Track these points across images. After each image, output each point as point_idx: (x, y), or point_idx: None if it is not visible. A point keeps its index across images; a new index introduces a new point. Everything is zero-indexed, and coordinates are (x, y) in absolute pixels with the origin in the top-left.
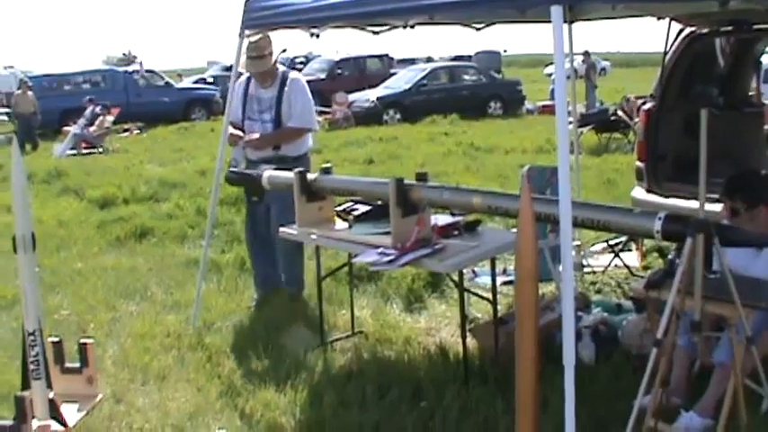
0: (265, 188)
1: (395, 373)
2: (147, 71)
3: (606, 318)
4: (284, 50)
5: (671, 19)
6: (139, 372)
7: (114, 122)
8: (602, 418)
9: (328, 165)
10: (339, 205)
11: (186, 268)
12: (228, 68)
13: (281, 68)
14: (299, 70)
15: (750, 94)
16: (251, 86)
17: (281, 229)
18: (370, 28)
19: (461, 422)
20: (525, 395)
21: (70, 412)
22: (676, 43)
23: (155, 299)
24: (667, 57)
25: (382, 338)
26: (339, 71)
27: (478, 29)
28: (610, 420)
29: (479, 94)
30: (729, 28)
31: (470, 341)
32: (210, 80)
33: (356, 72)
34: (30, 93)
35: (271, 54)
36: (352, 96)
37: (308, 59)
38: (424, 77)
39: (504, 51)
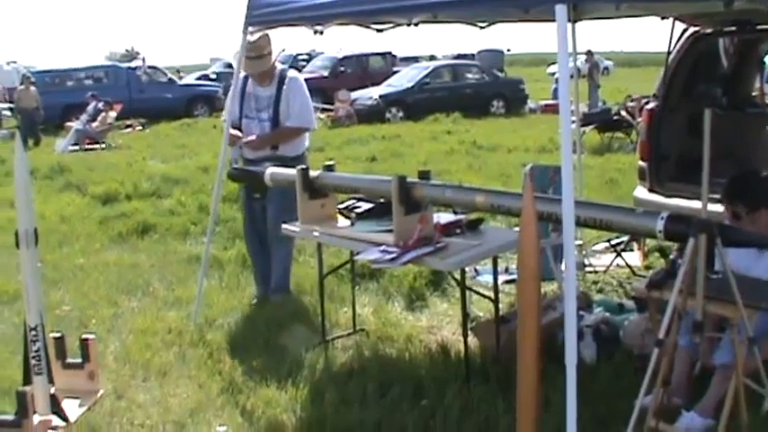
0: (268, 185)
1: (396, 372)
2: (149, 67)
3: (608, 317)
4: (283, 50)
5: (675, 19)
6: (141, 368)
7: (117, 118)
8: (603, 418)
9: (331, 162)
10: (341, 203)
11: (188, 265)
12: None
13: (280, 67)
14: (302, 68)
15: (753, 94)
16: (249, 84)
17: (284, 226)
18: (373, 26)
19: (462, 421)
20: (527, 394)
21: (71, 407)
22: (680, 43)
23: (156, 295)
24: (671, 56)
25: (384, 336)
26: (342, 69)
27: (482, 27)
28: (611, 420)
29: (482, 92)
30: (733, 28)
31: (472, 340)
32: (213, 77)
33: (359, 70)
34: (32, 88)
35: (270, 54)
36: (354, 94)
37: (310, 57)
38: (426, 76)
39: (508, 50)
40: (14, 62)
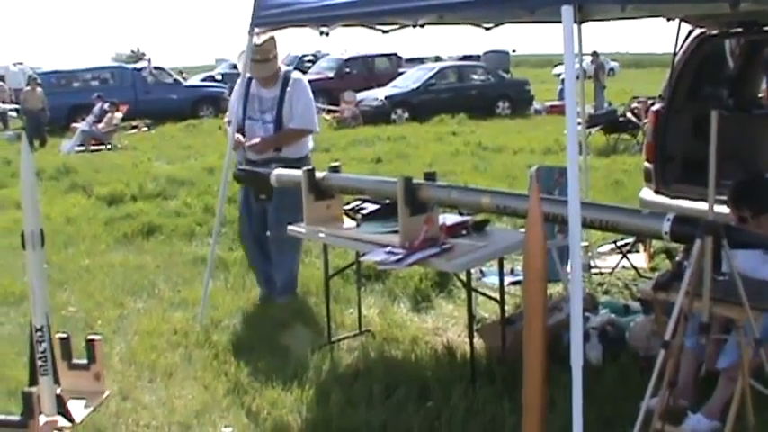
0: (273, 186)
1: (402, 373)
2: (155, 68)
3: (614, 319)
4: (289, 54)
5: (681, 20)
6: (146, 369)
7: (122, 119)
8: (608, 419)
9: (336, 163)
10: (347, 204)
11: (194, 266)
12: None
13: (284, 68)
14: (308, 69)
15: (760, 95)
16: (252, 86)
17: (290, 227)
18: (379, 27)
19: (468, 422)
20: (532, 395)
21: (77, 408)
22: (686, 44)
23: (162, 296)
24: (677, 58)
25: (389, 338)
26: (347, 70)
27: (487, 29)
28: (617, 421)
29: (488, 93)
30: (739, 29)
31: (477, 341)
32: (219, 78)
33: (364, 71)
34: (38, 89)
35: (275, 58)
36: (360, 95)
37: (316, 58)
38: (432, 77)
39: (513, 51)
40: (20, 63)
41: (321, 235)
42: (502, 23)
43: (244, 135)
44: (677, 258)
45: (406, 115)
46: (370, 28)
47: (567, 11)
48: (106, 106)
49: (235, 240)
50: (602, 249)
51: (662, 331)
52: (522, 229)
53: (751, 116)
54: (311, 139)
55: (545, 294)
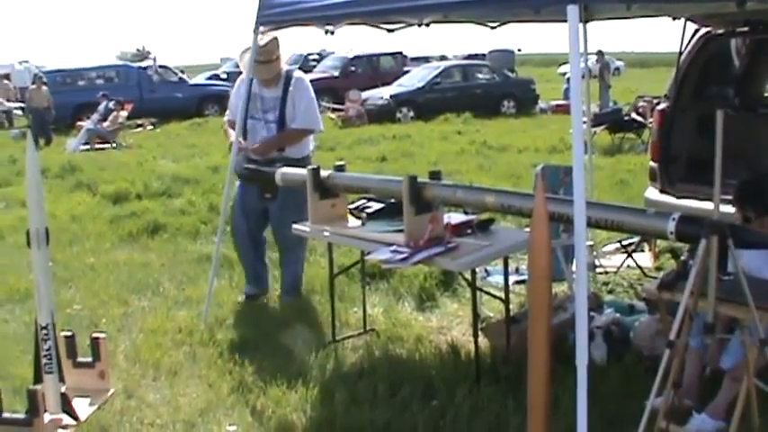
0: (278, 185)
1: (406, 372)
2: (160, 67)
3: (618, 318)
4: (292, 55)
5: (686, 19)
6: (151, 367)
7: (127, 118)
8: (613, 419)
9: (341, 162)
10: (352, 203)
11: (198, 264)
12: None
13: (285, 67)
14: (313, 67)
15: (766, 95)
16: (254, 85)
17: (295, 226)
18: (384, 26)
19: (472, 421)
20: (537, 394)
21: (82, 406)
22: (691, 43)
23: (167, 294)
24: (682, 57)
25: (394, 336)
26: (352, 69)
27: (493, 27)
28: (621, 421)
29: (493, 92)
30: (745, 29)
31: (482, 340)
32: (224, 76)
33: (370, 70)
34: (44, 88)
35: (278, 59)
36: (365, 94)
37: (321, 57)
38: (437, 76)
39: (518, 50)
40: (26, 62)
41: (326, 234)
42: (507, 22)
43: (245, 135)
44: (682, 258)
45: (411, 114)
46: (376, 27)
47: (572, 10)
48: (111, 105)
49: None
50: (607, 249)
51: (667, 331)
52: (527, 229)
53: (757, 115)
54: (313, 139)
55: (550, 293)
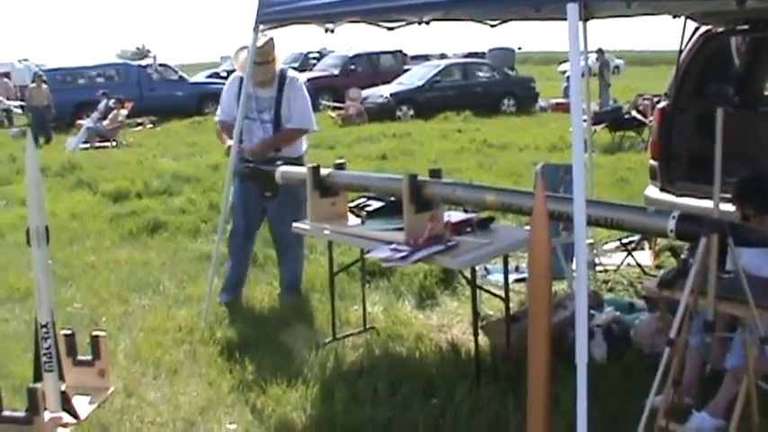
0: (279, 183)
1: (406, 370)
2: (160, 65)
3: (618, 316)
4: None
5: (686, 17)
6: (151, 365)
7: (128, 116)
8: (613, 417)
9: (341, 160)
10: (352, 201)
11: (198, 263)
12: None
13: (279, 66)
14: (313, 66)
15: (766, 93)
16: (247, 84)
17: (295, 224)
18: (384, 24)
19: (472, 419)
20: (537, 393)
21: (82, 405)
22: (692, 42)
23: (167, 293)
24: (682, 55)
25: (394, 335)
26: (352, 67)
27: (493, 26)
28: (621, 419)
29: (493, 90)
30: (745, 27)
31: (482, 338)
32: (224, 75)
33: (369, 68)
34: (44, 86)
35: (274, 60)
36: (365, 92)
37: (321, 55)
38: (437, 74)
39: (519, 48)
40: (26, 60)
41: (326, 232)
42: (507, 21)
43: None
44: (682, 256)
45: (412, 112)
46: (376, 25)
47: (572, 8)
48: (111, 103)
49: None
50: (607, 247)
51: (667, 329)
52: (527, 227)
53: (757, 113)
54: (306, 139)
55: (550, 292)
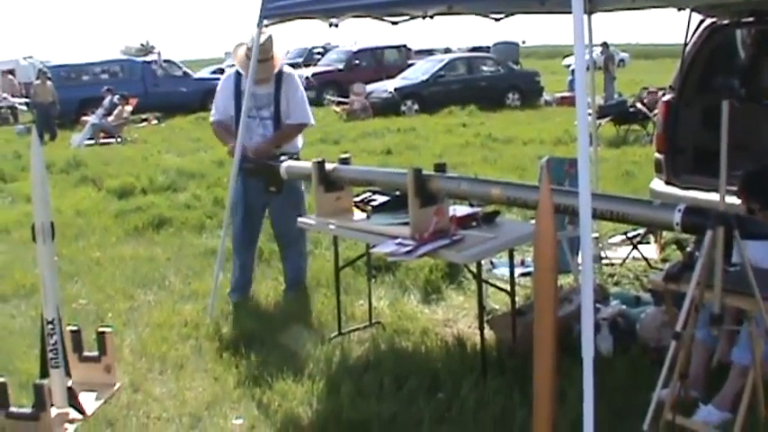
0: (283, 178)
1: (412, 364)
2: (165, 61)
3: (624, 310)
4: (288, 52)
5: (691, 10)
6: (157, 361)
7: (132, 112)
8: (619, 411)
9: (346, 155)
10: (357, 196)
11: (204, 258)
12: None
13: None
14: (317, 61)
15: None
16: (242, 82)
17: (300, 219)
18: (388, 18)
19: (478, 413)
20: (543, 387)
21: (88, 400)
22: (696, 34)
23: (172, 288)
24: (687, 48)
25: (400, 329)
26: (357, 62)
27: (497, 20)
28: (627, 413)
29: (497, 85)
30: (751, 19)
31: (488, 332)
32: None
33: (374, 63)
34: (48, 83)
35: (273, 56)
36: (369, 87)
37: (325, 50)
38: (442, 68)
39: (523, 42)
40: (30, 57)
41: (331, 227)
42: (512, 14)
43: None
44: (688, 249)
45: (416, 107)
46: (380, 19)
47: (576, 2)
48: (116, 99)
49: None
50: (612, 240)
51: (673, 322)
52: (533, 221)
53: (762, 106)
54: (302, 134)
55: (555, 286)
